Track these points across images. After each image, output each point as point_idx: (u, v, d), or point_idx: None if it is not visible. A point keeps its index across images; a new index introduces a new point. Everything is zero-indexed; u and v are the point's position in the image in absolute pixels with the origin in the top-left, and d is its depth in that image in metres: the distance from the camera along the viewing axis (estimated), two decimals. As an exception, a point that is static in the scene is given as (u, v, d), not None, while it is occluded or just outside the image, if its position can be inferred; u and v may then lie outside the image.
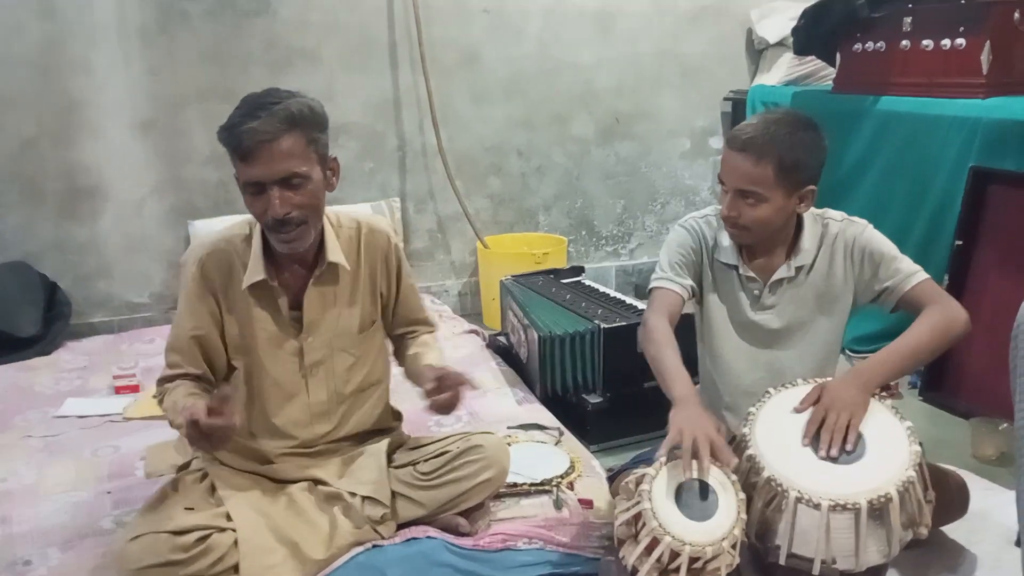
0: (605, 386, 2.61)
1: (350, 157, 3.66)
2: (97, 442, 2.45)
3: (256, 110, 1.65)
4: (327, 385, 1.93)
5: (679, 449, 1.69)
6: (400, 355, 2.07)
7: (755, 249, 1.99)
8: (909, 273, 1.90)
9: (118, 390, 2.80)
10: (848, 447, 1.69)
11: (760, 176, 1.82)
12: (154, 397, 1.87)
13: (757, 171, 1.81)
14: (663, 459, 1.72)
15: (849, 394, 1.72)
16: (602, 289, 3.09)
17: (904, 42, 3.13)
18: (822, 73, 3.88)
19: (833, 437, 1.69)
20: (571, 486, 2.07)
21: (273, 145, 1.64)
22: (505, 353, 3.06)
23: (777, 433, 1.76)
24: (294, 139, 1.67)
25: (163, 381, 1.83)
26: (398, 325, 2.05)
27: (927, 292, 1.88)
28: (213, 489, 1.89)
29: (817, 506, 1.64)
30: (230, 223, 1.92)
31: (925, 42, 3.05)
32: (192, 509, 1.79)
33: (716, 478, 1.71)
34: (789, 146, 1.82)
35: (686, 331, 2.02)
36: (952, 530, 1.94)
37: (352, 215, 1.96)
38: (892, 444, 1.72)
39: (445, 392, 1.74)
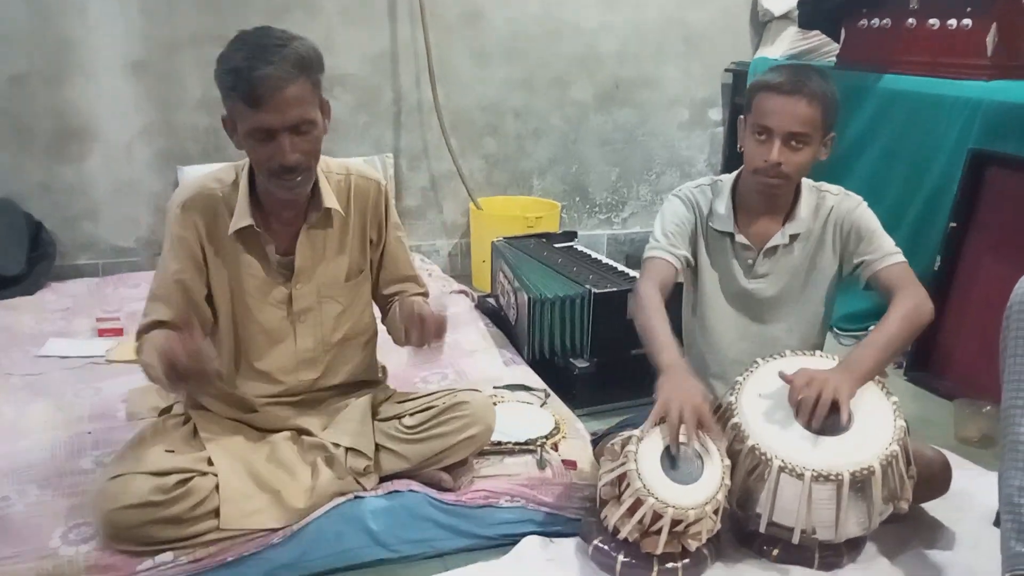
0: (593, 351, 2.60)
1: (345, 110, 3.61)
2: (79, 383, 2.43)
3: (265, 53, 1.59)
4: (314, 332, 1.91)
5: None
6: (386, 318, 2.02)
7: (753, 215, 1.99)
8: (886, 253, 1.92)
9: (101, 332, 2.77)
10: (841, 422, 1.69)
11: (812, 117, 1.83)
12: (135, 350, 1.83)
13: (810, 112, 1.83)
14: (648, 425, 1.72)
15: (836, 377, 1.71)
16: (594, 255, 3.08)
17: (910, 20, 3.10)
18: (825, 48, 3.84)
19: (816, 411, 1.69)
20: (555, 447, 2.07)
21: (286, 92, 1.60)
22: (494, 315, 3.05)
23: (764, 403, 1.77)
24: (303, 84, 1.63)
25: (142, 332, 1.77)
26: (386, 283, 2.00)
27: (898, 276, 1.89)
28: (195, 433, 1.88)
29: (800, 476, 1.65)
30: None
31: (931, 21, 3.02)
32: (173, 452, 1.78)
33: (702, 443, 1.72)
34: (828, 88, 1.85)
35: (674, 301, 2.01)
36: (933, 507, 1.95)
37: (340, 162, 1.93)
38: (878, 419, 1.73)
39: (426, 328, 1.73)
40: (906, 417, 1.75)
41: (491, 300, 3.16)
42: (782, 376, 1.76)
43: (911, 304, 1.84)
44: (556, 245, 3.19)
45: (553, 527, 1.92)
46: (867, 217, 1.96)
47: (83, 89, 3.40)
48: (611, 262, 2.98)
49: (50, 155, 3.43)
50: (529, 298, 2.60)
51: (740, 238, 1.99)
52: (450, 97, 3.80)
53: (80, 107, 3.42)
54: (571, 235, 3.38)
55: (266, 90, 1.58)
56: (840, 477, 1.63)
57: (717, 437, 1.72)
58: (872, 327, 1.92)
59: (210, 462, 1.78)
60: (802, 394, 1.70)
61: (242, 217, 1.77)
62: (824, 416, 1.69)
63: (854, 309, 3.08)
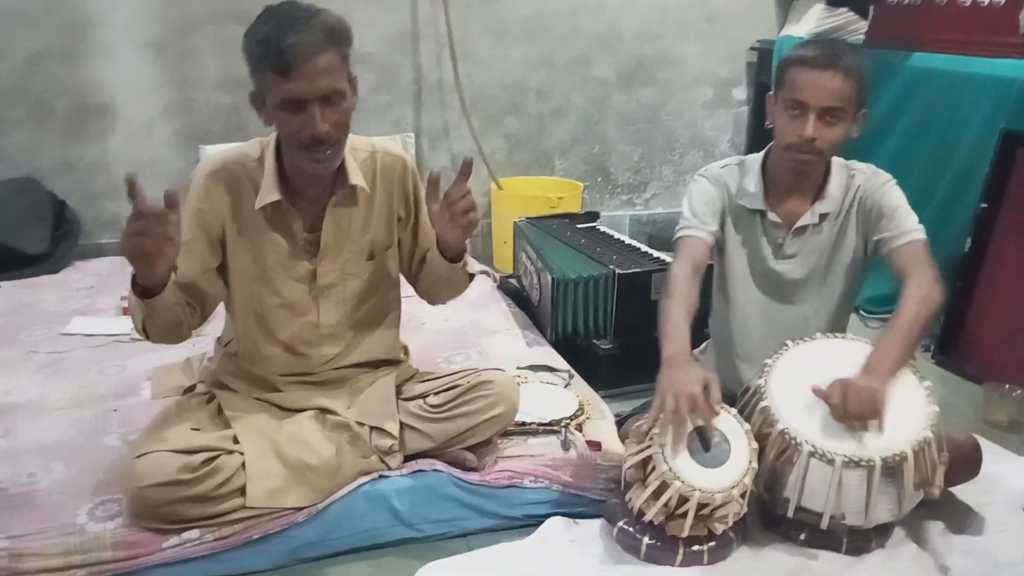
0: (616, 332, 2.58)
1: (365, 89, 3.52)
2: (103, 361, 2.44)
3: (294, 23, 1.59)
4: (337, 308, 1.90)
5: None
6: (419, 283, 2.01)
7: (784, 193, 1.96)
8: (906, 230, 1.88)
9: (125, 311, 2.77)
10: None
11: (848, 92, 1.81)
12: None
13: (846, 87, 1.80)
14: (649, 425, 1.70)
15: (869, 388, 1.66)
16: (617, 236, 3.05)
17: (941, -3, 3.04)
18: (853, 26, 3.77)
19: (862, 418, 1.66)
20: (579, 428, 2.05)
21: (316, 60, 1.59)
22: (516, 295, 3.03)
23: (793, 386, 1.75)
24: (333, 54, 1.62)
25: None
26: (418, 256, 1.99)
27: (913, 255, 1.85)
28: (219, 411, 1.88)
29: (831, 461, 1.63)
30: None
31: (963, -2, 2.96)
32: (199, 430, 1.78)
33: (729, 427, 1.70)
34: (862, 64, 1.83)
35: (706, 281, 1.99)
36: (961, 491, 1.92)
37: (366, 139, 1.91)
38: (910, 404, 1.70)
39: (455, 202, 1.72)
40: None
41: (513, 280, 3.15)
42: (816, 392, 1.70)
43: (923, 291, 1.79)
44: (579, 225, 3.17)
45: (577, 508, 1.91)
46: (892, 195, 1.92)
47: (102, 68, 3.40)
48: (634, 243, 2.95)
49: (71, 133, 3.44)
50: (553, 279, 2.58)
51: (772, 216, 1.96)
52: (471, 76, 3.77)
53: (100, 85, 3.42)
54: (594, 215, 3.35)
55: (296, 58, 1.57)
56: (872, 463, 1.61)
57: (711, 417, 1.68)
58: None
59: (235, 440, 1.78)
60: (842, 410, 1.66)
61: (270, 192, 1.76)
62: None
63: (880, 292, 3.03)
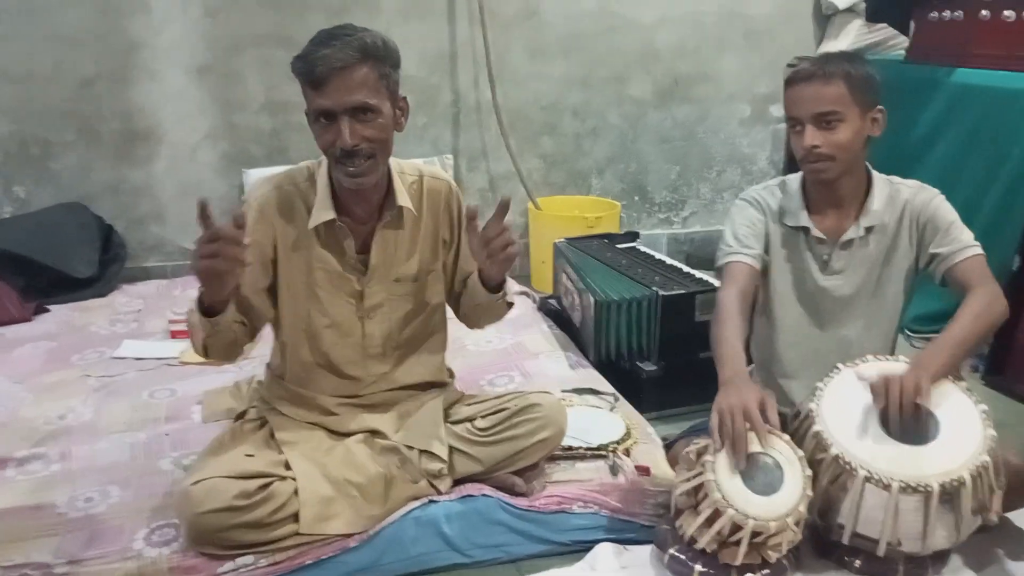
0: (660, 354, 2.58)
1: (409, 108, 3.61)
2: (153, 384, 2.48)
3: (330, 39, 1.65)
4: (382, 329, 1.92)
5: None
6: (460, 308, 2.03)
7: (825, 208, 1.96)
8: (964, 245, 1.87)
9: (173, 334, 2.82)
10: (917, 423, 1.65)
11: (834, 95, 1.82)
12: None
13: (830, 90, 1.82)
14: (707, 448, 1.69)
15: (911, 375, 1.67)
16: (658, 256, 3.04)
17: (984, 12, 3.01)
18: (892, 42, 3.75)
19: (901, 412, 1.64)
20: (627, 452, 2.05)
21: (345, 73, 1.64)
22: (556, 316, 3.03)
23: (846, 410, 1.73)
24: (366, 70, 1.66)
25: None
26: (460, 280, 2.01)
27: (974, 270, 1.85)
28: (271, 436, 1.90)
29: (887, 487, 1.61)
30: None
31: (1007, 13, 2.93)
32: (252, 456, 1.80)
33: (783, 453, 1.68)
34: (851, 65, 1.85)
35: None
36: (1018, 516, 1.89)
37: (413, 164, 1.95)
38: (966, 427, 1.68)
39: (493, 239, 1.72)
40: (992, 425, 1.70)
41: (553, 301, 3.15)
42: (861, 378, 1.72)
43: (984, 301, 1.79)
44: (619, 246, 3.16)
45: (626, 534, 1.90)
46: (944, 209, 1.91)
47: (149, 92, 3.47)
48: (676, 263, 2.94)
49: (118, 157, 3.51)
50: (595, 300, 2.58)
51: (815, 232, 1.96)
52: (508, 96, 3.79)
53: (146, 109, 3.49)
54: (633, 235, 3.35)
55: (324, 71, 1.63)
56: (929, 488, 1.59)
57: (764, 442, 1.67)
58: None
59: (287, 466, 1.80)
60: (883, 398, 1.66)
61: (324, 211, 1.80)
62: (908, 417, 1.65)
63: (927, 310, 2.99)
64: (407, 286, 1.93)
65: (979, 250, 1.87)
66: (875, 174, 1.96)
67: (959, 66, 3.10)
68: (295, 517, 1.73)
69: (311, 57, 1.64)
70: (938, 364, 1.72)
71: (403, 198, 1.84)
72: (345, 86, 1.64)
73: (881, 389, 1.67)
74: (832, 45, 3.94)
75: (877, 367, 1.80)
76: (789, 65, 4.05)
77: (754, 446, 1.67)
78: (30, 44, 3.32)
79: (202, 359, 2.55)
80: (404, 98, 1.78)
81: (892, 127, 1.92)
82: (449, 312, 2.06)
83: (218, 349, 1.72)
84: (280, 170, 1.91)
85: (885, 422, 1.69)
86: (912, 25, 3.36)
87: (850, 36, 3.89)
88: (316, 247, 1.84)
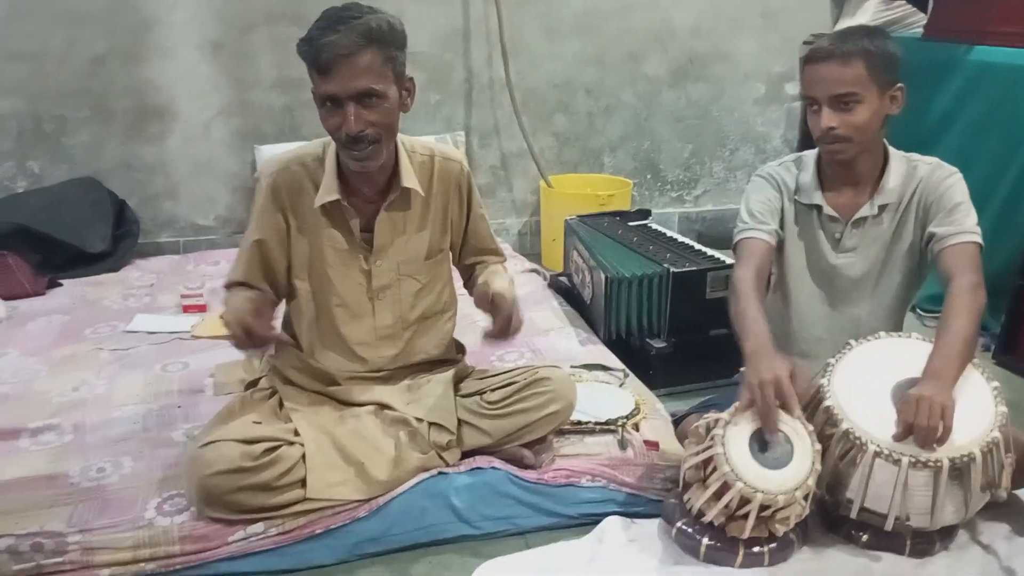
0: (670, 331, 2.57)
1: (416, 88, 3.60)
2: (166, 358, 2.49)
3: (335, 23, 1.64)
4: (393, 309, 1.93)
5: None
6: (469, 284, 2.06)
7: (839, 186, 1.95)
8: (962, 229, 1.84)
9: (186, 309, 2.84)
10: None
11: (853, 76, 1.80)
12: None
13: (849, 71, 1.80)
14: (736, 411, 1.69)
15: (937, 397, 1.62)
16: (669, 233, 3.03)
17: (1004, -12, 2.97)
18: (910, 19, 3.69)
19: (929, 426, 1.60)
20: (636, 427, 2.05)
21: (350, 59, 1.63)
22: (567, 293, 3.03)
23: (857, 385, 1.73)
24: (371, 55, 1.65)
25: (227, 287, 1.89)
26: (467, 255, 2.04)
27: (961, 257, 1.81)
28: (280, 406, 1.92)
29: (897, 461, 1.61)
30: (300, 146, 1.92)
31: (1027, -11, 2.89)
32: (260, 423, 1.82)
33: (792, 427, 1.68)
34: (871, 43, 1.81)
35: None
36: (1024, 493, 1.89)
37: (425, 142, 1.94)
38: (978, 404, 1.67)
39: (500, 319, 1.79)
40: (1005, 402, 1.69)
41: (563, 279, 3.15)
42: (894, 389, 1.70)
43: (971, 296, 1.75)
44: (630, 223, 3.15)
45: (635, 508, 1.91)
46: (956, 189, 1.88)
47: (161, 69, 3.47)
48: (687, 240, 2.93)
49: (131, 134, 3.52)
50: (607, 277, 2.57)
51: (828, 209, 1.95)
52: (521, 74, 3.77)
53: (159, 86, 3.49)
54: (645, 213, 3.33)
55: (330, 57, 1.62)
56: (939, 463, 1.59)
57: (794, 413, 1.67)
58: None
59: (296, 433, 1.81)
60: (913, 419, 1.61)
61: (329, 191, 1.80)
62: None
63: (938, 290, 2.96)
64: (418, 265, 1.93)
65: (976, 238, 1.83)
66: (892, 151, 1.94)
67: (978, 44, 3.06)
68: (303, 483, 1.75)
69: (317, 43, 1.63)
70: (955, 372, 1.68)
71: (410, 179, 1.84)
72: (351, 72, 1.64)
73: (911, 412, 1.61)
74: (849, 23, 3.88)
75: (891, 344, 1.79)
76: (805, 43, 4.01)
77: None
78: (43, 23, 3.32)
79: (215, 333, 2.59)
80: (411, 78, 1.78)
81: (909, 105, 1.89)
82: (461, 289, 2.08)
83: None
84: (293, 146, 1.93)
85: (896, 398, 1.68)
86: (930, 2, 3.31)
87: (867, 13, 3.83)
88: (325, 225, 1.85)
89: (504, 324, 1.79)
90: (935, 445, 1.60)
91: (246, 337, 1.65)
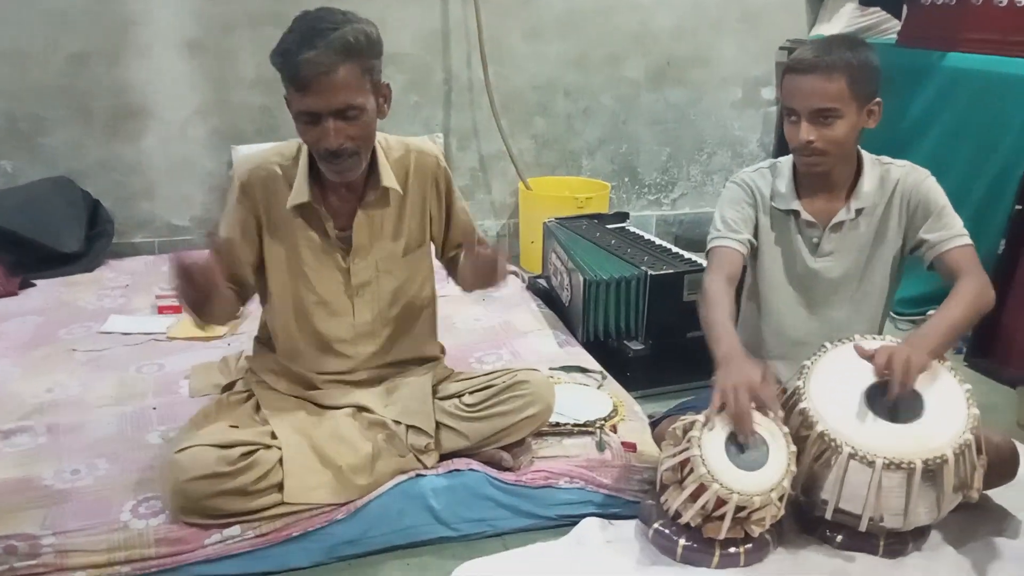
0: (647, 333, 2.58)
1: (396, 89, 3.46)
2: (141, 359, 2.47)
3: (313, 37, 1.61)
4: (372, 307, 1.93)
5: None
6: (455, 273, 2.04)
7: (815, 192, 1.96)
8: (954, 234, 1.88)
9: (161, 310, 2.82)
10: (903, 402, 1.66)
11: (835, 91, 1.80)
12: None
13: (831, 87, 1.80)
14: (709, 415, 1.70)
15: (907, 350, 1.68)
16: (647, 236, 3.05)
17: (976, -4, 3.01)
18: (885, 26, 3.75)
19: (902, 381, 1.64)
20: (614, 429, 2.06)
21: (330, 76, 1.61)
22: (545, 295, 3.03)
23: (833, 388, 1.74)
24: (350, 69, 1.64)
25: None
26: (450, 247, 2.03)
27: (963, 259, 1.86)
28: (257, 409, 1.91)
29: (871, 463, 1.63)
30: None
31: (999, -3, 2.93)
32: (237, 427, 1.81)
33: (767, 429, 1.70)
34: (855, 57, 1.82)
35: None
36: (998, 494, 1.91)
37: (400, 138, 1.94)
38: (951, 406, 1.69)
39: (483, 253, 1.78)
40: (975, 405, 1.72)
41: (542, 281, 3.15)
42: (859, 350, 1.74)
43: (976, 290, 1.80)
44: (608, 226, 3.17)
45: (612, 509, 1.91)
46: (936, 192, 1.92)
47: (140, 68, 3.45)
48: (665, 243, 2.95)
49: (108, 133, 3.49)
50: (585, 279, 2.58)
51: (805, 215, 1.96)
52: (501, 76, 3.77)
53: (137, 86, 3.47)
54: (623, 216, 3.35)
55: (309, 74, 1.60)
56: (912, 465, 1.61)
57: (776, 415, 1.69)
58: (931, 312, 1.88)
59: (273, 436, 1.80)
60: (885, 370, 1.67)
61: (300, 193, 1.80)
62: (897, 394, 1.66)
63: (912, 293, 3.02)
64: (396, 262, 1.93)
65: (969, 239, 1.88)
66: (865, 155, 1.96)
67: (951, 50, 3.11)
68: (280, 487, 1.74)
69: (294, 59, 1.60)
70: (934, 344, 1.73)
71: (388, 178, 1.84)
72: (330, 89, 1.62)
73: (883, 362, 1.68)
74: (825, 28, 3.94)
75: (867, 345, 1.81)
76: (782, 48, 4.06)
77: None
78: (22, 21, 3.29)
79: (190, 335, 2.57)
80: (387, 84, 1.77)
81: (884, 112, 1.91)
82: (442, 289, 2.07)
83: (209, 315, 1.75)
84: (269, 146, 1.91)
85: (871, 400, 1.71)
86: (904, 9, 3.36)
87: (843, 19, 3.89)
88: (300, 225, 1.85)
89: (490, 258, 1.79)
90: (905, 437, 1.63)
91: (184, 271, 1.59)
